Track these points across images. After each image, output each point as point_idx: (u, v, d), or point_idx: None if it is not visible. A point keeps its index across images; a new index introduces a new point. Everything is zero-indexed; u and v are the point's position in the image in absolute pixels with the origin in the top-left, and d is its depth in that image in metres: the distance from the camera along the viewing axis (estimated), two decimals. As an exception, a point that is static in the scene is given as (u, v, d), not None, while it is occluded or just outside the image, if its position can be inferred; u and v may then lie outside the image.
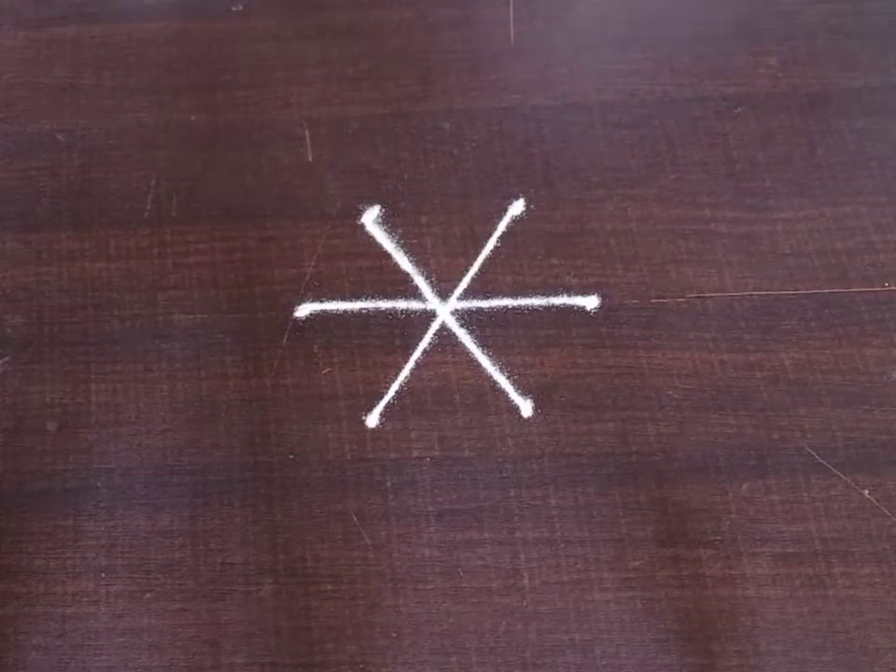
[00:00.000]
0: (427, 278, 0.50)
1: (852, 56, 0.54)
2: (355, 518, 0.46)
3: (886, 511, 0.45)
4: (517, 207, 0.51)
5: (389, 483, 0.46)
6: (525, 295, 0.49)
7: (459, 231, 0.50)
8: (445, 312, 0.49)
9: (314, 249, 0.50)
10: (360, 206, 0.51)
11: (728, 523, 0.45)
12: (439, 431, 0.47)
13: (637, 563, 0.44)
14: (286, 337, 0.49)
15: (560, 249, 0.50)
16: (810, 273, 0.49)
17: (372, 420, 0.47)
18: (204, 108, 0.54)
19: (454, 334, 0.49)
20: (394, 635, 0.44)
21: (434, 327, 0.49)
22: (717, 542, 0.45)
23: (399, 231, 0.51)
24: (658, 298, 0.49)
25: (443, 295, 0.49)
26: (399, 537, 0.45)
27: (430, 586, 0.44)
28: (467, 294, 0.49)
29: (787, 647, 0.43)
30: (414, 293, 0.49)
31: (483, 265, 0.50)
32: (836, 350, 0.48)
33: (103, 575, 0.45)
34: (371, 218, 0.51)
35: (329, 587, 0.45)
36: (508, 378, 0.48)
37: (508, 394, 0.47)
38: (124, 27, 0.56)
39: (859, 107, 0.53)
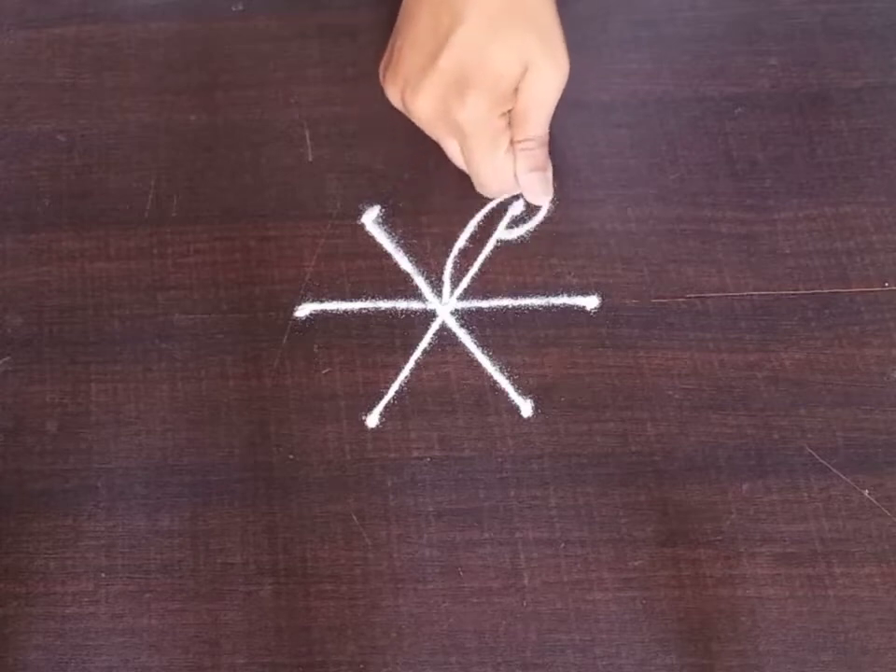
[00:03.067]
0: (426, 278, 0.50)
1: (852, 56, 0.54)
2: (355, 518, 0.45)
3: (886, 511, 0.45)
4: (517, 207, 0.51)
5: (389, 483, 0.46)
6: (525, 295, 0.49)
7: (459, 231, 0.50)
8: (445, 312, 0.49)
9: (314, 249, 0.50)
10: (360, 206, 0.51)
11: (728, 523, 0.45)
12: (439, 431, 0.47)
13: (637, 563, 0.44)
14: (286, 337, 0.49)
15: (560, 249, 0.50)
16: (810, 273, 0.49)
17: (372, 420, 0.47)
18: (204, 108, 0.54)
19: (454, 334, 0.49)
20: (394, 635, 0.44)
21: (434, 327, 0.49)
22: (717, 542, 0.45)
23: (399, 231, 0.51)
24: (658, 298, 0.49)
25: (443, 295, 0.49)
26: (399, 537, 0.45)
27: (430, 586, 0.44)
28: (467, 294, 0.49)
29: (787, 647, 0.43)
30: (414, 293, 0.49)
31: (483, 265, 0.50)
32: (836, 350, 0.48)
33: (103, 575, 0.45)
34: (371, 218, 0.51)
35: (329, 587, 0.45)
36: (508, 378, 0.48)
37: (508, 394, 0.47)
38: (124, 27, 0.56)
39: (859, 107, 0.53)
